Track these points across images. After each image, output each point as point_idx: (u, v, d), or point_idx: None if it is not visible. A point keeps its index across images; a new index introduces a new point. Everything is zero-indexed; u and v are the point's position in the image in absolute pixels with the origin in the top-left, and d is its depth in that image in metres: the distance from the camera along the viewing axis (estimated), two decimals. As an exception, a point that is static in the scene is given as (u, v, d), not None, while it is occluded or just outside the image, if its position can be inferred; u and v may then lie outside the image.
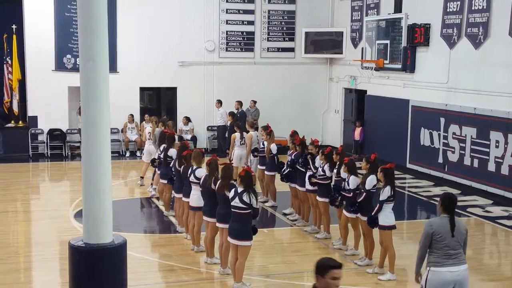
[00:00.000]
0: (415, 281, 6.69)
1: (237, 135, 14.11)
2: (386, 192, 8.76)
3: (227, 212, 8.56)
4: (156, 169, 12.90)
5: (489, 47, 14.13)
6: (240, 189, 8.30)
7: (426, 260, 6.57)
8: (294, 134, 12.41)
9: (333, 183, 10.48)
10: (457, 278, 6.38)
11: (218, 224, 8.93)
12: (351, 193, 9.51)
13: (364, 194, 9.25)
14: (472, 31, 14.53)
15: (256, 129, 14.36)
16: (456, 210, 13.14)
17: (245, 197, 8.21)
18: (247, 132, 14.02)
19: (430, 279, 6.41)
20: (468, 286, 6.54)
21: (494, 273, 9.56)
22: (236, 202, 8.29)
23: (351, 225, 9.95)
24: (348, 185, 9.58)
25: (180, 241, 10.75)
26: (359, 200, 9.32)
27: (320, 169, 10.63)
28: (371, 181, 9.22)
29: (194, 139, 19.24)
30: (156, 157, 12.91)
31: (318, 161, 10.81)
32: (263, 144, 13.08)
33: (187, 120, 19.47)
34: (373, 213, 8.91)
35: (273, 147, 12.75)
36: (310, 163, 10.97)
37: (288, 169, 11.73)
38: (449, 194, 6.76)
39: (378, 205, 8.80)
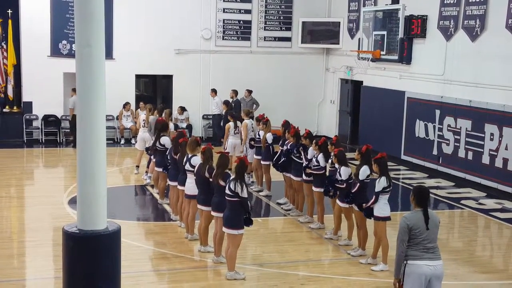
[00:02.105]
0: (393, 285, 6.54)
1: (231, 124, 14.09)
2: (381, 183, 8.78)
3: (222, 201, 8.57)
4: (152, 156, 12.89)
5: (485, 40, 14.13)
6: (231, 177, 8.33)
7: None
8: (286, 124, 12.45)
9: (327, 173, 10.50)
10: (434, 272, 6.38)
11: (212, 213, 8.95)
12: (344, 184, 9.52)
13: (358, 184, 9.27)
14: (469, 24, 14.53)
15: (252, 118, 14.36)
16: (450, 202, 13.25)
17: (232, 185, 8.22)
18: (242, 121, 14.01)
19: (408, 272, 6.39)
20: (441, 281, 6.52)
21: (487, 266, 9.61)
22: (226, 190, 8.33)
23: (344, 215, 9.98)
24: (340, 176, 9.60)
25: (174, 229, 10.77)
26: (353, 191, 9.34)
27: (314, 159, 10.66)
28: (364, 171, 9.25)
29: (189, 127, 19.22)
30: (151, 145, 12.90)
31: (312, 151, 10.83)
32: (259, 134, 13.09)
33: (182, 109, 19.43)
34: (368, 204, 8.93)
35: (269, 137, 12.76)
36: (302, 154, 11.02)
37: (283, 159, 11.74)
38: (421, 188, 6.68)
39: (374, 196, 8.82)
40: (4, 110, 18.95)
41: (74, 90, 18.10)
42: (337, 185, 9.69)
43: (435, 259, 6.40)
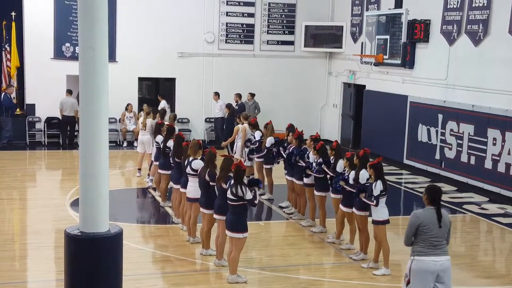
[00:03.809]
0: None
1: (240, 127, 14.08)
2: (378, 187, 8.78)
3: (224, 204, 8.57)
4: (153, 159, 12.90)
5: (488, 45, 14.13)
6: (232, 182, 8.33)
7: (410, 250, 6.69)
8: (290, 127, 12.46)
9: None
10: (440, 268, 6.53)
11: (215, 216, 8.94)
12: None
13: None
14: (472, 28, 14.53)
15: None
16: (452, 207, 13.23)
17: (234, 189, 8.22)
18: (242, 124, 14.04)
19: (414, 268, 6.56)
20: (451, 276, 6.68)
21: (489, 270, 9.59)
22: (228, 194, 8.32)
23: (347, 220, 9.97)
24: (349, 179, 9.59)
25: (176, 232, 10.76)
26: (359, 196, 9.23)
27: (314, 163, 10.65)
28: (363, 175, 9.25)
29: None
30: (152, 147, 12.93)
31: (313, 155, 10.84)
32: (254, 137, 13.14)
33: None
34: (368, 202, 8.89)
35: (269, 140, 12.75)
36: (301, 160, 11.04)
37: (281, 159, 11.93)
38: (434, 186, 6.86)
39: (374, 201, 8.79)
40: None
41: (68, 91, 18.26)
42: (347, 186, 9.56)
43: (441, 255, 6.56)
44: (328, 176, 10.38)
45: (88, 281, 6.10)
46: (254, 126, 13.34)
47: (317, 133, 11.69)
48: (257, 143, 13.06)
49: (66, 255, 6.23)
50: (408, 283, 6.63)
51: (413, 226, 6.57)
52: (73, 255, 6.16)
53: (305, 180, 11.02)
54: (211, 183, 9.09)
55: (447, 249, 6.65)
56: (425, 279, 6.48)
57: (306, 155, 11.08)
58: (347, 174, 9.65)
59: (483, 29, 14.18)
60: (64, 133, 18.61)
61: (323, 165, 10.51)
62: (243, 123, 13.92)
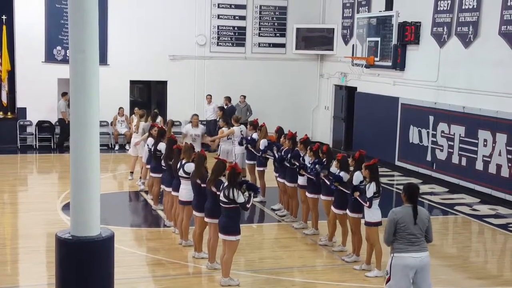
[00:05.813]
0: None
1: (224, 130, 14.12)
2: (371, 189, 8.81)
3: (214, 207, 8.56)
4: (145, 162, 12.88)
5: (478, 46, 14.19)
6: (225, 185, 8.32)
7: (391, 247, 6.84)
8: (279, 130, 12.49)
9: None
10: (419, 264, 6.68)
11: (206, 219, 8.94)
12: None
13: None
14: (462, 30, 14.60)
15: (242, 124, 14.38)
16: (444, 208, 13.26)
17: (226, 192, 8.22)
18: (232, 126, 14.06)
19: (394, 264, 6.73)
20: (429, 271, 6.82)
21: (481, 271, 9.62)
22: (221, 196, 8.32)
23: (338, 221, 9.98)
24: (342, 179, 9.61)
25: (168, 235, 10.75)
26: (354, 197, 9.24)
27: (309, 165, 10.65)
28: (357, 176, 9.27)
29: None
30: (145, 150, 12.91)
31: (307, 157, 10.84)
32: (251, 137, 13.13)
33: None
34: (361, 201, 8.91)
35: (263, 143, 12.75)
36: (296, 160, 11.04)
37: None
38: (411, 184, 7.05)
39: (367, 202, 8.81)
40: (-2, 116, 18.93)
41: (63, 94, 18.26)
42: (342, 187, 9.54)
43: (420, 251, 6.73)
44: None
45: (79, 285, 6.08)
46: (255, 127, 13.31)
47: (305, 135, 11.67)
48: (252, 141, 13.02)
49: (57, 259, 6.21)
50: (388, 280, 6.76)
51: (391, 222, 6.73)
52: (64, 259, 6.14)
53: (299, 181, 11.01)
54: (202, 185, 9.08)
55: (426, 245, 6.79)
56: (404, 274, 6.64)
57: (301, 158, 11.07)
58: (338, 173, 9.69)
59: (473, 31, 14.25)
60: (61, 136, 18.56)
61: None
62: (233, 125, 13.94)
